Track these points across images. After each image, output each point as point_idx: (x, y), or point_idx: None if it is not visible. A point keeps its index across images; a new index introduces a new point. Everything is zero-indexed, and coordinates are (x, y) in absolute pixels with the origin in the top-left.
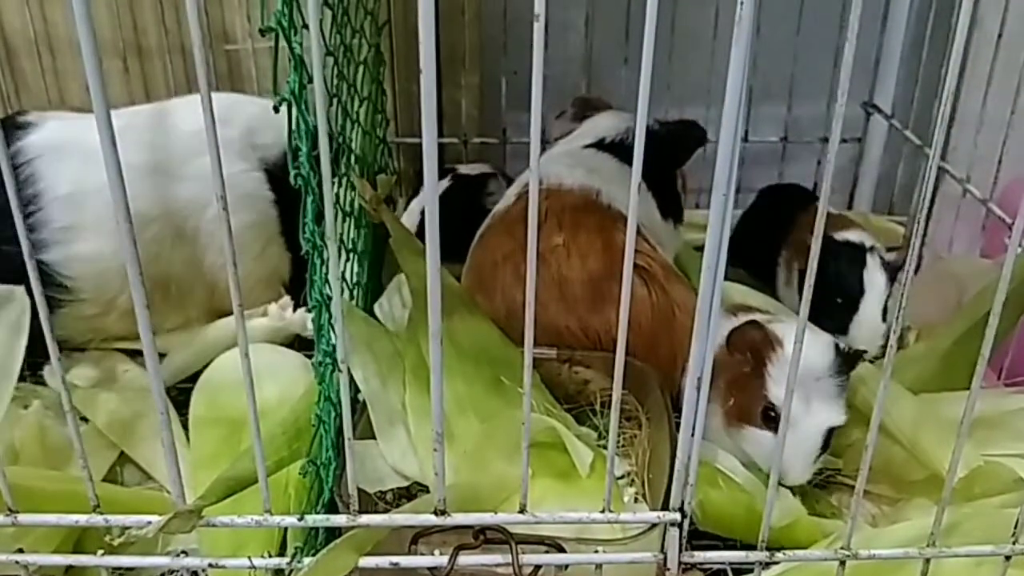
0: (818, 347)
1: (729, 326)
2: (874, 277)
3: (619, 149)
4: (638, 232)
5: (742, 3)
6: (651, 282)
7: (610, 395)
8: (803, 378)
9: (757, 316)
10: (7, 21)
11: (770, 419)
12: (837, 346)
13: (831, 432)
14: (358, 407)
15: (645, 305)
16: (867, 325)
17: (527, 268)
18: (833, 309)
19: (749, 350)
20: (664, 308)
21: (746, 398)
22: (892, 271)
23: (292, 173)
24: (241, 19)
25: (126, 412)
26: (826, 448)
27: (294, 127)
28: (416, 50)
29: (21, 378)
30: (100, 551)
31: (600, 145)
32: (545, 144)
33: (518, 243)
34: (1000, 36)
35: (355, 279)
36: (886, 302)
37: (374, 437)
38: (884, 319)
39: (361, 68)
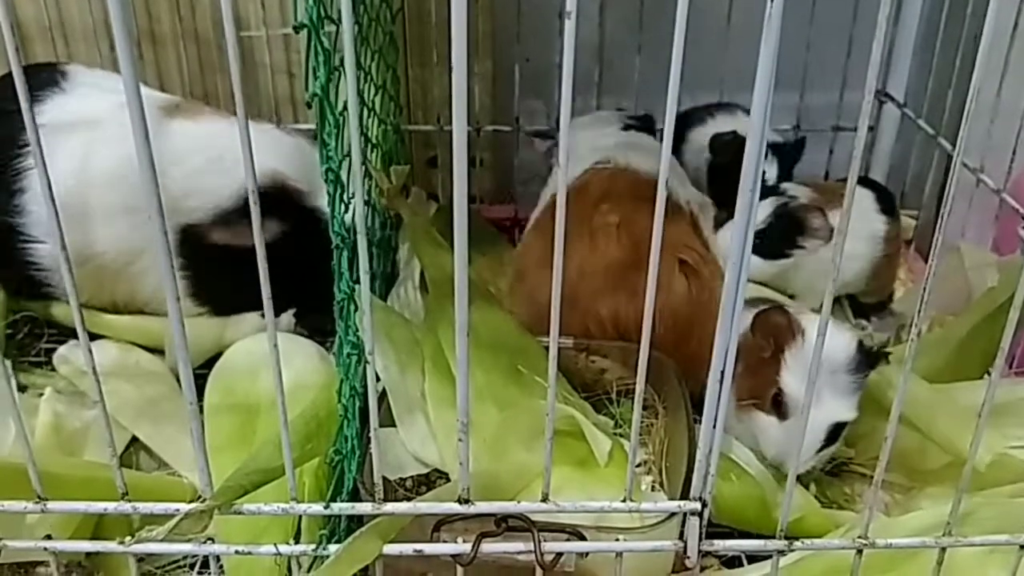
0: (840, 341)
1: (748, 316)
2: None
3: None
4: (695, 224)
5: (772, 1)
6: (693, 277)
7: (627, 384)
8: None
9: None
10: (21, 9)
11: (779, 405)
12: (860, 343)
13: (839, 427)
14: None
15: (683, 300)
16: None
17: (577, 253)
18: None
19: (772, 335)
20: (703, 305)
21: (759, 382)
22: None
23: (323, 168)
24: (255, 6)
25: (138, 397)
26: (832, 441)
27: (323, 122)
28: (429, 35)
29: (36, 364)
30: (128, 538)
31: (637, 126)
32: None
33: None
34: (1016, 27)
35: (370, 267)
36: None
37: (394, 425)
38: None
39: (377, 56)
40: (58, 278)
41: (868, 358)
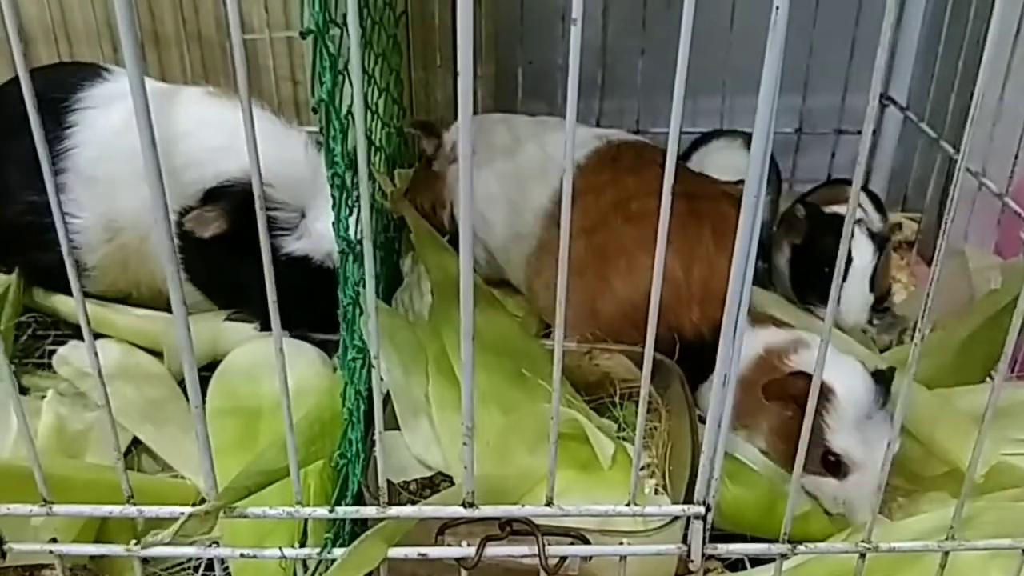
0: (859, 380)
1: (754, 336)
2: (861, 249)
3: None
4: None
5: (777, 7)
6: None
7: (631, 387)
8: (857, 421)
9: (782, 334)
10: (24, 9)
11: (831, 465)
12: (873, 373)
13: None
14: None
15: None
16: (855, 297)
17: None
18: (821, 281)
19: (795, 400)
20: None
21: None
22: (880, 242)
23: (328, 172)
24: (258, 8)
25: (140, 399)
26: None
27: (328, 127)
28: (432, 38)
29: (39, 366)
30: (133, 541)
31: None
32: None
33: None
34: (1018, 31)
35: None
36: (873, 273)
37: (398, 428)
38: (872, 290)
39: (380, 59)
40: (86, 259)
41: (885, 384)
